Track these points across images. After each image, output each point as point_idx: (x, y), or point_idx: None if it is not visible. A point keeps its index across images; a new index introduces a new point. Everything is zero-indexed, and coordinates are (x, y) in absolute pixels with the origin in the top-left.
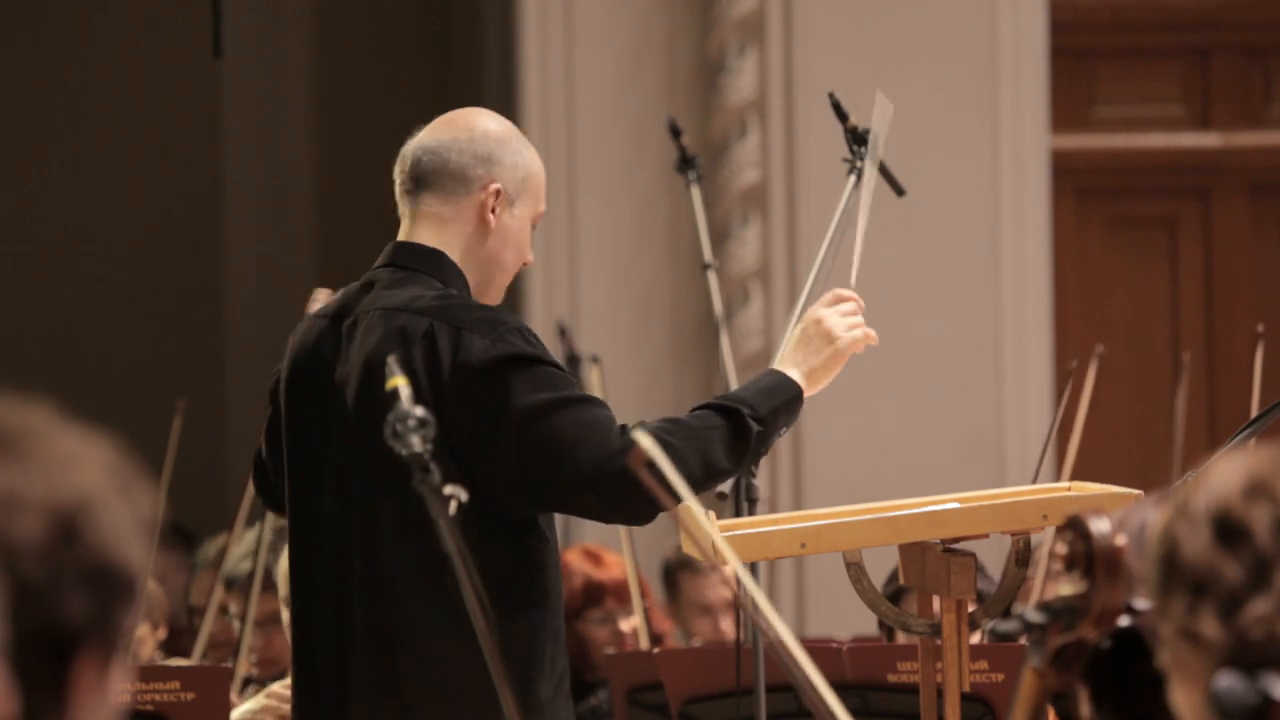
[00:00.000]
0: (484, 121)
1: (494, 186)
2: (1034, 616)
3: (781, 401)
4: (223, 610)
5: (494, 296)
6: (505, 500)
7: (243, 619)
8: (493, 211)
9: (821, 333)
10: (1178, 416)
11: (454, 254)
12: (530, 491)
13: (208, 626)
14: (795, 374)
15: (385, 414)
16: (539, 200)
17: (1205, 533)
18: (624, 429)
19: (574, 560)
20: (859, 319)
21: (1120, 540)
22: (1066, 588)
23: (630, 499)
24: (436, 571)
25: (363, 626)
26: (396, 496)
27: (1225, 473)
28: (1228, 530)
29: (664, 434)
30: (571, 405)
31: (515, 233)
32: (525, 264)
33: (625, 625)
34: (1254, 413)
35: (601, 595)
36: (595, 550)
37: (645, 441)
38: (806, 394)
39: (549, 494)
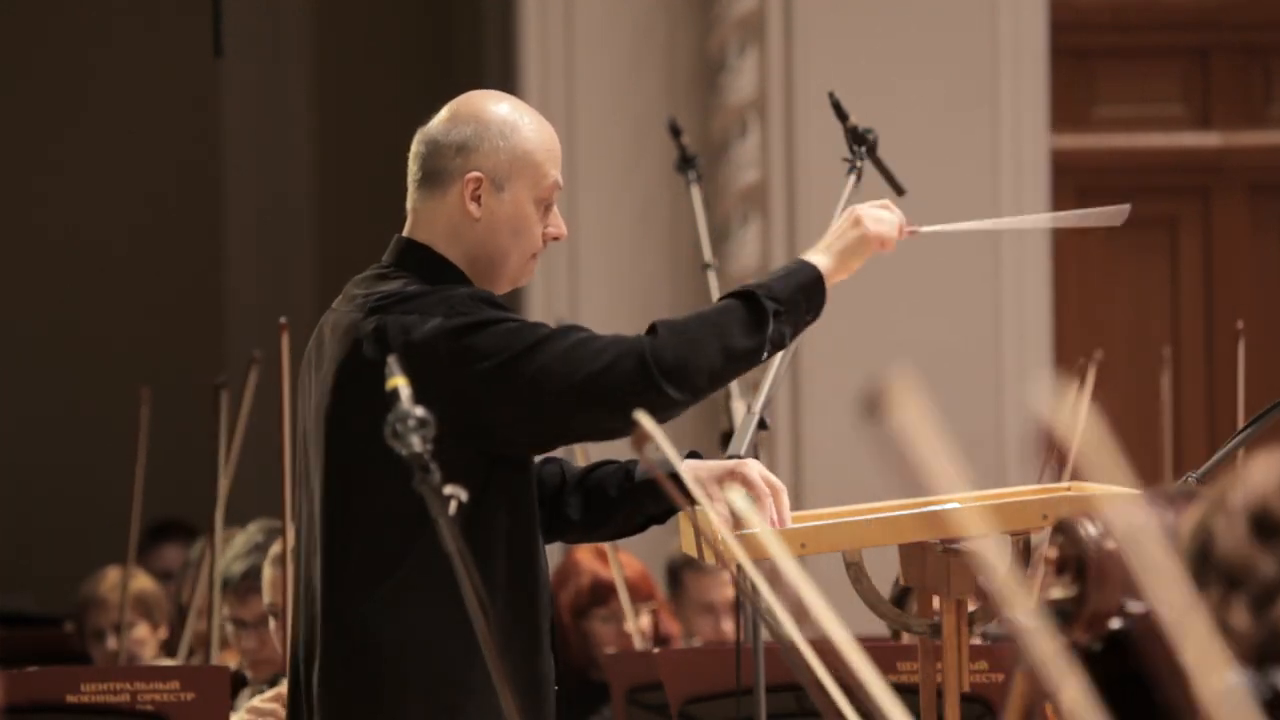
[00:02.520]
0: (477, 106)
1: (472, 175)
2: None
3: (799, 282)
4: (199, 612)
5: (508, 280)
6: (514, 441)
7: (230, 622)
8: (475, 200)
9: (853, 219)
10: (1165, 408)
11: (443, 247)
12: (547, 422)
13: (190, 626)
14: (818, 258)
15: (332, 424)
16: (539, 177)
17: (1242, 528)
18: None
19: (584, 558)
20: (894, 219)
21: (1110, 544)
22: (1057, 591)
23: (636, 398)
24: (396, 577)
25: (321, 632)
26: (329, 512)
27: (1264, 470)
28: (1265, 526)
29: (682, 327)
30: (559, 336)
31: (510, 216)
32: (555, 239)
33: (630, 625)
34: (1240, 409)
35: (607, 594)
36: (605, 548)
37: (646, 422)
38: (831, 277)
39: (565, 418)
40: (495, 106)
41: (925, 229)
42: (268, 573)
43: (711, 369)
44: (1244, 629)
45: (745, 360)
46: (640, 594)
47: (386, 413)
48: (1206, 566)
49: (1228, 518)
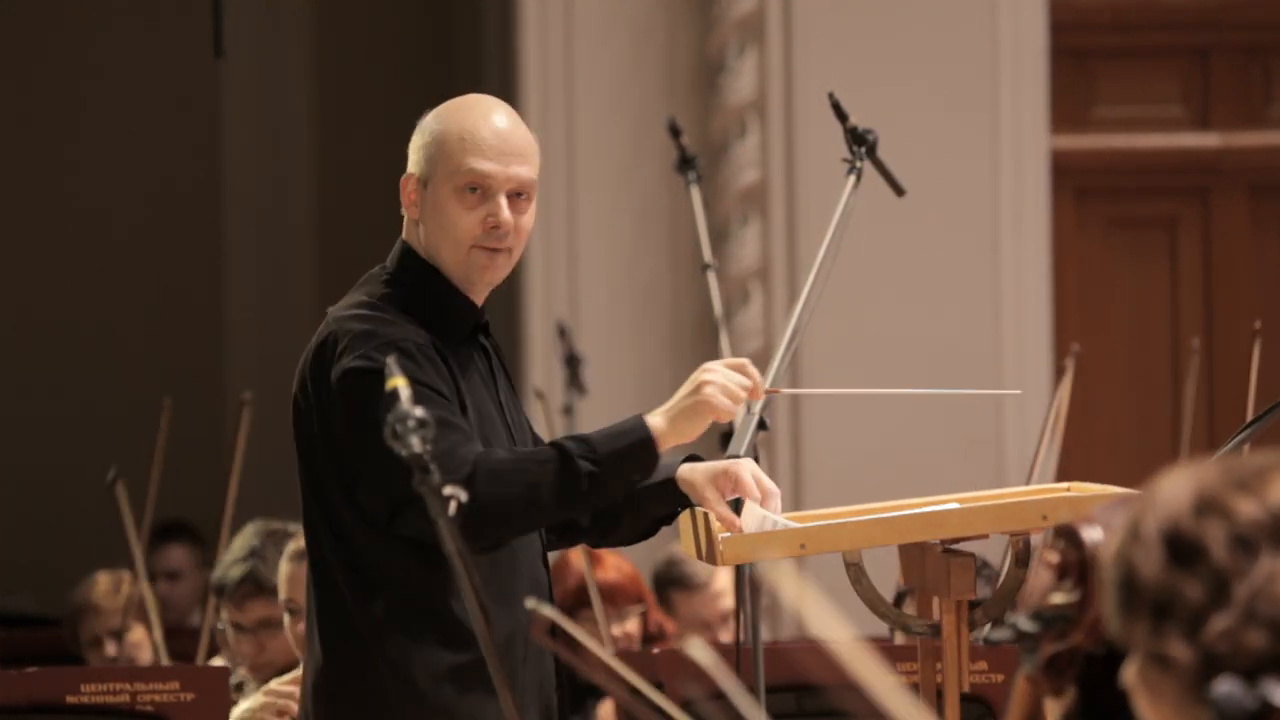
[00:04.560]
0: (435, 110)
1: (404, 178)
2: (1027, 625)
3: (625, 444)
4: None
5: (462, 279)
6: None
7: (231, 626)
8: (413, 201)
9: (696, 384)
10: (1186, 404)
11: (416, 247)
12: (369, 485)
13: (206, 631)
14: (657, 418)
15: (297, 431)
16: (454, 166)
17: (1159, 555)
18: (473, 455)
19: (573, 559)
20: (738, 388)
21: None
22: (1058, 596)
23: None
24: (333, 592)
25: (313, 638)
26: (308, 517)
27: (1173, 490)
28: (1181, 550)
29: (498, 469)
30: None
31: (435, 211)
32: (493, 228)
33: (618, 629)
34: (1250, 409)
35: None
36: (596, 551)
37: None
38: (664, 440)
39: (388, 512)
40: (443, 106)
41: (788, 391)
42: (285, 568)
43: (505, 532)
44: (1180, 657)
45: (548, 516)
46: (629, 597)
47: (331, 422)
48: (1132, 597)
49: (1144, 547)
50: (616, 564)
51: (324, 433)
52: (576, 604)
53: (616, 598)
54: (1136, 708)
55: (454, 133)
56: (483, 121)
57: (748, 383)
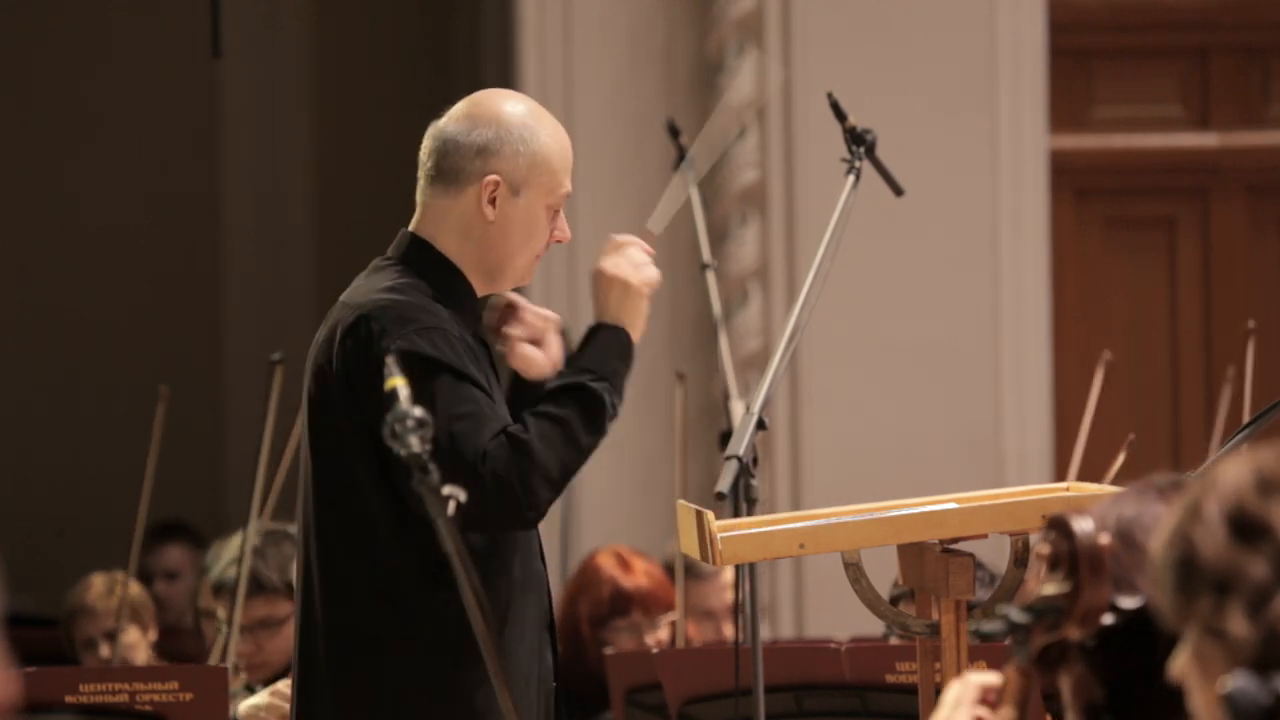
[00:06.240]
0: (496, 107)
1: (490, 179)
2: (1018, 617)
3: (617, 353)
4: (209, 614)
5: (511, 281)
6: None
7: (228, 625)
8: (491, 203)
9: (621, 284)
10: (1087, 413)
11: (450, 245)
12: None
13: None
14: (618, 325)
15: (314, 416)
16: (554, 184)
17: (1222, 532)
18: (505, 433)
19: (604, 565)
20: (642, 256)
21: (1103, 539)
22: (1050, 587)
23: (491, 507)
24: (385, 580)
25: (324, 629)
26: (334, 509)
27: (1234, 471)
28: (1246, 528)
29: (543, 466)
30: (454, 417)
31: (522, 221)
32: (559, 242)
33: (651, 638)
34: (1246, 408)
35: (628, 605)
36: (625, 555)
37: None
38: (637, 336)
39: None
40: (515, 109)
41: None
42: None
43: (564, 483)
44: (1243, 634)
45: (589, 452)
46: (661, 604)
47: (357, 414)
48: (1191, 575)
49: (1205, 524)
50: (647, 569)
51: (357, 421)
52: (611, 612)
53: (649, 604)
54: (1188, 693)
55: (557, 151)
56: (568, 140)
57: (645, 253)
